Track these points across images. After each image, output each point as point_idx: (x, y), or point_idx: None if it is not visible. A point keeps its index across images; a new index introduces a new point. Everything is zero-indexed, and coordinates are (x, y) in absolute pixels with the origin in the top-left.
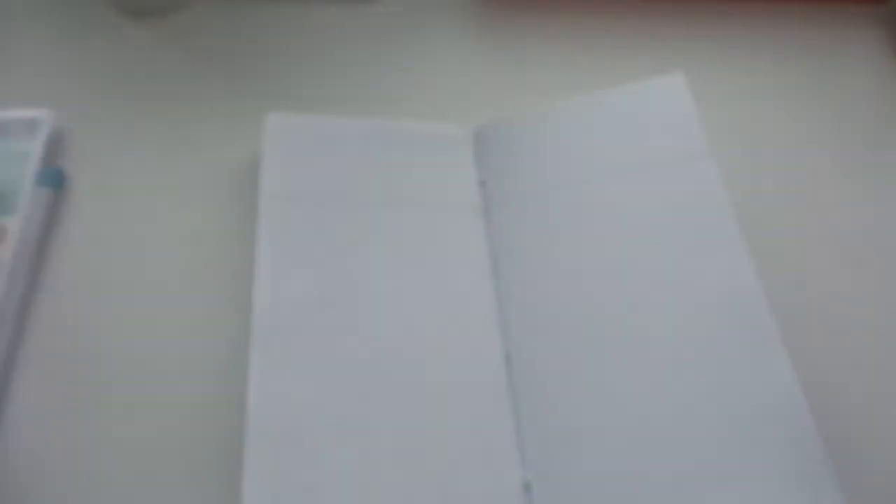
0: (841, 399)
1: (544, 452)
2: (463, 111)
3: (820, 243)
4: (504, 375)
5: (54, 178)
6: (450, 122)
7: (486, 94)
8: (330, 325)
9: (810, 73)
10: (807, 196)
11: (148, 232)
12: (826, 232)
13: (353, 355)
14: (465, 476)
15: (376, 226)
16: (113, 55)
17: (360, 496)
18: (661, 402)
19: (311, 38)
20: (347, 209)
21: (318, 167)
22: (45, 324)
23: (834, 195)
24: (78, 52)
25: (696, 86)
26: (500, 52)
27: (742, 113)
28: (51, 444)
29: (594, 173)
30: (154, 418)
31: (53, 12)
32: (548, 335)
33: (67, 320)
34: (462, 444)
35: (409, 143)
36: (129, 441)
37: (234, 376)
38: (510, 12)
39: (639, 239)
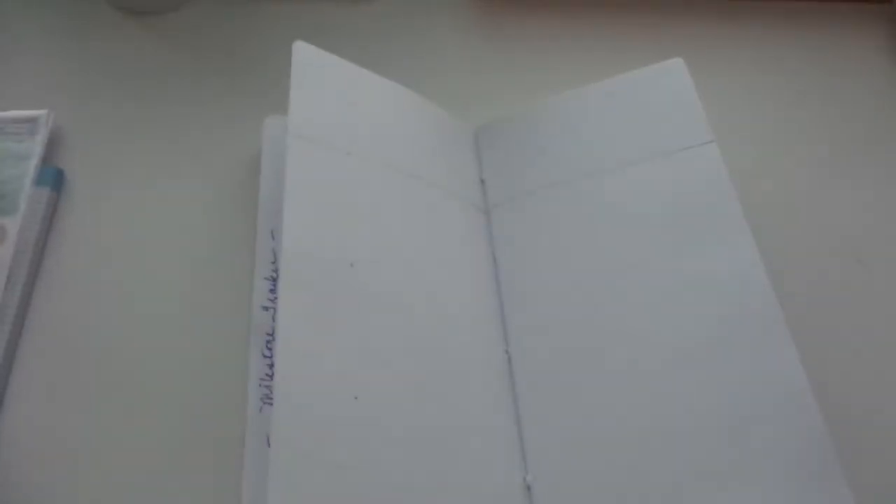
0: (847, 394)
1: (545, 453)
2: (463, 110)
3: (819, 242)
4: (505, 375)
5: (54, 178)
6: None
7: (487, 93)
8: (354, 291)
9: (814, 72)
10: (807, 194)
11: (147, 231)
12: (826, 231)
13: (370, 334)
14: (466, 477)
15: (392, 193)
16: (113, 55)
17: (360, 496)
18: (664, 400)
19: (310, 37)
20: (369, 166)
21: (345, 112)
22: (45, 323)
23: (836, 193)
24: (78, 52)
25: (697, 83)
26: (500, 50)
27: (743, 110)
28: (49, 443)
29: (595, 165)
30: (154, 417)
31: (53, 12)
32: (549, 334)
33: (67, 320)
34: (463, 444)
35: (425, 118)
36: (128, 440)
37: (233, 375)
38: (510, 10)
39: (641, 231)
